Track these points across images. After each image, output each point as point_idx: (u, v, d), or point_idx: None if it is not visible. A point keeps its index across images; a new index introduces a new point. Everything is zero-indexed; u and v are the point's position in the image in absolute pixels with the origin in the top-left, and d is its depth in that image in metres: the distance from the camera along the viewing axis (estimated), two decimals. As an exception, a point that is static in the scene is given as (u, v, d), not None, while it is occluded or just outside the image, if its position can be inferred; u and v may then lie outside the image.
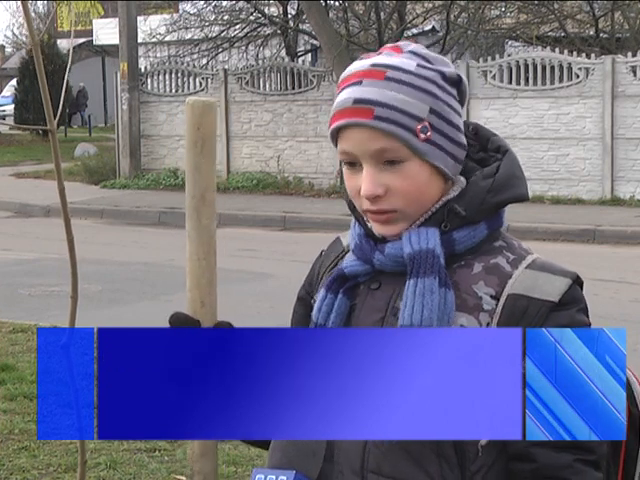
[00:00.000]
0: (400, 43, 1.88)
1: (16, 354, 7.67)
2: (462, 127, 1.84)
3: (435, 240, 1.78)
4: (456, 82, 1.84)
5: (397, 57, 1.81)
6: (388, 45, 1.87)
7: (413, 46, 1.85)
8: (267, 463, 1.63)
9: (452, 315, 1.76)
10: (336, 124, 1.80)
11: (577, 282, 1.81)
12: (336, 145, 1.83)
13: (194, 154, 1.72)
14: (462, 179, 1.84)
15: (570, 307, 1.78)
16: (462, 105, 1.86)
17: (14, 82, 34.13)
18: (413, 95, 1.77)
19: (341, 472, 1.83)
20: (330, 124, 1.82)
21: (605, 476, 1.81)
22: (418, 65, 1.80)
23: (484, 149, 1.89)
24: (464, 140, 1.84)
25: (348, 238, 1.93)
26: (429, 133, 1.78)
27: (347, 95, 1.79)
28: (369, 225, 1.86)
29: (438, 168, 1.79)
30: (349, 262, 1.88)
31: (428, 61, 1.82)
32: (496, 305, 1.77)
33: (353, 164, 1.81)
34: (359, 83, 1.79)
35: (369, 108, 1.76)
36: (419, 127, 1.77)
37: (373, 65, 1.80)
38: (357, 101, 1.77)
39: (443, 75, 1.82)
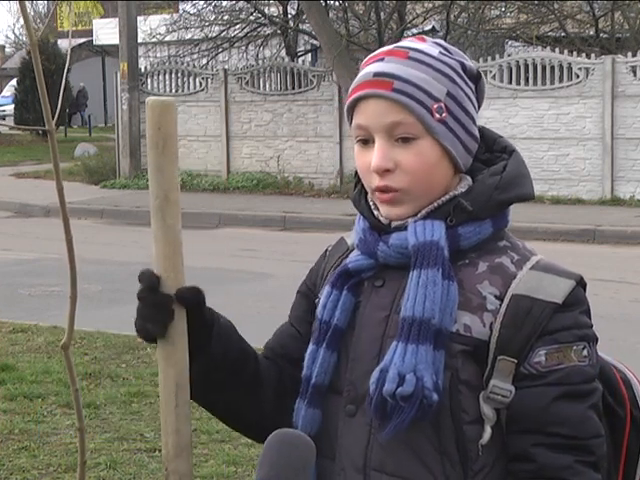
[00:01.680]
0: (424, 36, 1.92)
1: (16, 354, 7.67)
2: (476, 121, 1.86)
3: (440, 232, 1.79)
4: (475, 77, 1.87)
5: (421, 43, 1.86)
6: (411, 37, 1.92)
7: (437, 40, 1.89)
8: (254, 477, 1.63)
9: (455, 308, 1.76)
10: (355, 95, 1.82)
11: (581, 284, 1.81)
12: (351, 122, 1.85)
13: (156, 155, 1.72)
14: (469, 178, 1.86)
15: (574, 308, 1.78)
16: (480, 103, 1.88)
17: (14, 82, 34.12)
18: (432, 75, 1.80)
19: (343, 470, 1.84)
20: (348, 99, 1.84)
21: (605, 477, 1.81)
22: (440, 52, 1.84)
23: (490, 150, 1.90)
24: (477, 133, 1.86)
25: (352, 236, 1.93)
26: (444, 114, 1.80)
27: (368, 70, 1.83)
28: (375, 213, 1.86)
29: (449, 152, 1.81)
30: (353, 257, 1.89)
31: (449, 52, 1.86)
32: (500, 305, 1.78)
33: (366, 141, 1.83)
34: (381, 60, 1.83)
35: (389, 81, 1.79)
36: (435, 106, 1.79)
37: (397, 46, 1.85)
38: (377, 74, 1.80)
39: (463, 66, 1.85)
